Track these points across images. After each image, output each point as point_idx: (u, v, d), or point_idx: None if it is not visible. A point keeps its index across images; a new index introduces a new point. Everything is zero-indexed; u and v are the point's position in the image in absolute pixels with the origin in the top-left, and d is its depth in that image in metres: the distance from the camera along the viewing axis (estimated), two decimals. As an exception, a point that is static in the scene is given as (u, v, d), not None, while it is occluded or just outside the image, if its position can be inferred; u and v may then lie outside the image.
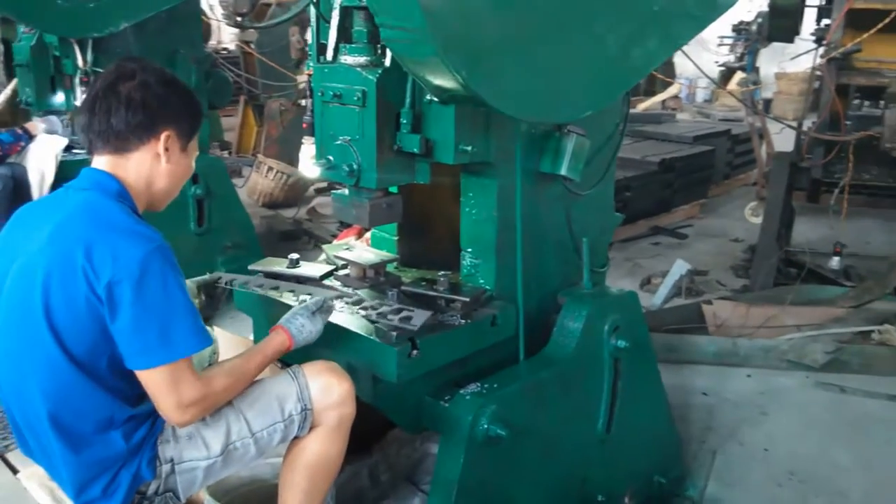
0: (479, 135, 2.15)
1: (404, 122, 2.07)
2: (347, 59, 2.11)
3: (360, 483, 2.99)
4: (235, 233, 4.90)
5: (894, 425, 3.57)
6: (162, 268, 1.73)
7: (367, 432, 3.03)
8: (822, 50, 4.56)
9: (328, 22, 2.18)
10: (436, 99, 2.03)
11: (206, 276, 2.43)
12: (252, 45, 8.14)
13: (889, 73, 4.58)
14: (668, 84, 12.22)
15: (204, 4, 5.38)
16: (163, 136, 1.90)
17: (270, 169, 7.28)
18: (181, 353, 1.74)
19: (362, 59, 2.09)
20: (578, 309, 2.44)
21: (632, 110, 10.73)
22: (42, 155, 4.13)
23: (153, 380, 1.74)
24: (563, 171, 2.34)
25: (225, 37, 11.74)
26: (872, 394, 3.83)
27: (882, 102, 6.05)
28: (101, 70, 4.12)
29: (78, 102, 4.23)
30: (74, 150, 4.30)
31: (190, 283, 2.43)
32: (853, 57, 4.55)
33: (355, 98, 2.06)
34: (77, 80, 4.16)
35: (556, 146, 2.34)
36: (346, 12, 2.13)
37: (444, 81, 1.69)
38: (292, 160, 7.94)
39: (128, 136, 1.87)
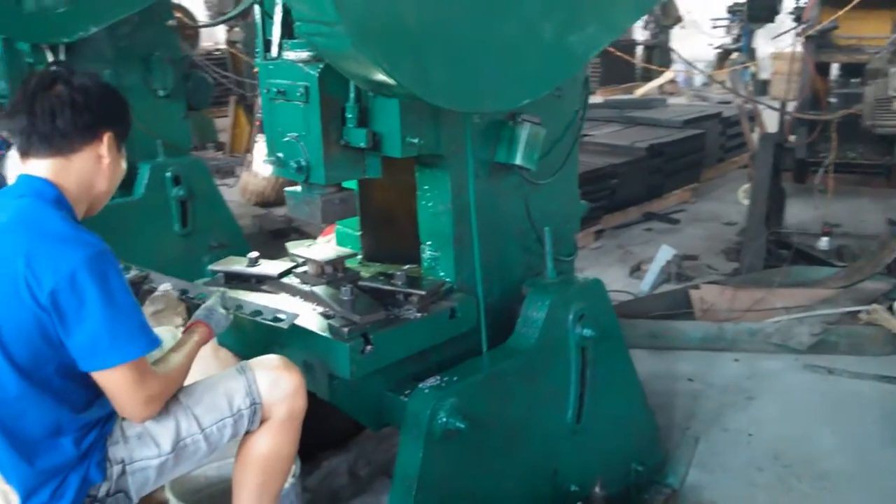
0: (427, 126, 2.12)
1: (349, 116, 2.05)
2: (290, 55, 2.08)
3: (339, 479, 2.99)
4: (221, 232, 4.88)
5: (882, 405, 3.53)
6: (104, 271, 1.72)
7: (345, 429, 3.03)
8: (800, 28, 4.50)
9: (273, 18, 2.16)
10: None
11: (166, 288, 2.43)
12: (238, 46, 8.12)
13: (869, 48, 4.50)
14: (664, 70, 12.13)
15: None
16: (105, 138, 1.91)
17: (261, 168, 7.26)
18: (141, 350, 1.76)
19: (304, 55, 2.06)
20: (541, 298, 2.42)
21: (626, 96, 10.55)
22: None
23: (116, 380, 1.75)
24: (517, 161, 2.32)
25: (221, 38, 11.77)
26: (861, 374, 3.79)
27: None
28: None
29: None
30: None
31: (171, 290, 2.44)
32: (833, 34, 4.48)
33: (298, 94, 2.04)
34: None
35: (510, 135, 2.32)
36: (288, 8, 2.11)
37: (369, 74, 1.66)
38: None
39: (74, 138, 1.87)
